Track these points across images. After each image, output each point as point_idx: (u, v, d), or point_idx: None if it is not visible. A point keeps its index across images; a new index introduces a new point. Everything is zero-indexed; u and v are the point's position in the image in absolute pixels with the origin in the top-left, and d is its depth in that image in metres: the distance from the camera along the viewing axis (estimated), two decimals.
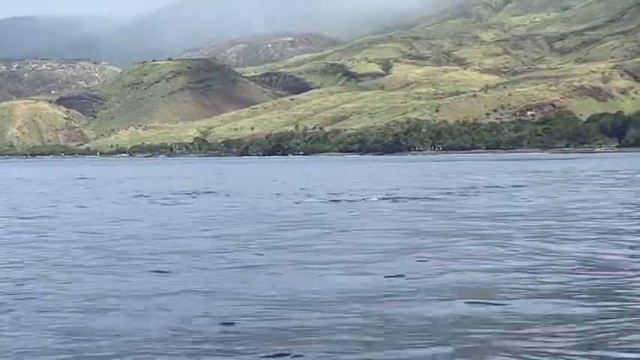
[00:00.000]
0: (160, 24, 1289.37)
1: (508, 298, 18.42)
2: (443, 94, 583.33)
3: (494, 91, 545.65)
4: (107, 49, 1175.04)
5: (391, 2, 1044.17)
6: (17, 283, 21.68)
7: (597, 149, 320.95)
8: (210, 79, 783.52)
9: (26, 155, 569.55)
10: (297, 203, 52.90)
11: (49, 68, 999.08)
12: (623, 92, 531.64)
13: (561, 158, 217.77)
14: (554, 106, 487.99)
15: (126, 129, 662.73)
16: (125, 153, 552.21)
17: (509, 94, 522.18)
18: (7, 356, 14.51)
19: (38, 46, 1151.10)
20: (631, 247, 27.20)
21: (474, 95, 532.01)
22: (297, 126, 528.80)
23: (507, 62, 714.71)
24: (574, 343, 14.31)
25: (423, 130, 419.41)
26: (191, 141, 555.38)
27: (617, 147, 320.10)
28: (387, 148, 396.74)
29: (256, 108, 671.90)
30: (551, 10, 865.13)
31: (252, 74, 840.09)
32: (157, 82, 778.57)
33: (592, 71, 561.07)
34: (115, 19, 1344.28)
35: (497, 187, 70.55)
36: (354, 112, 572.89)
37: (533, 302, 17.98)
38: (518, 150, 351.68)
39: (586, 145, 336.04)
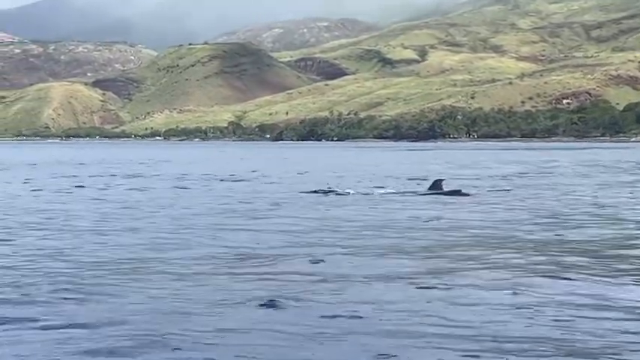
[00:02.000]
0: (195, 7, 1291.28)
1: None
2: (479, 81, 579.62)
3: (530, 79, 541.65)
4: (141, 32, 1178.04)
5: None
6: None
7: (633, 139, 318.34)
8: (246, 64, 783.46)
9: (61, 137, 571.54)
10: None
11: (86, 50, 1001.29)
12: None
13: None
14: (590, 94, 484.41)
15: (161, 112, 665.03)
16: (160, 136, 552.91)
17: (545, 82, 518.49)
18: None
19: (73, 28, 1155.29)
20: None
21: (510, 83, 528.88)
22: (331, 111, 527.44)
23: (544, 50, 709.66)
24: None
25: (458, 117, 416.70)
26: (225, 125, 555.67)
27: None
28: (422, 134, 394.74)
29: (291, 93, 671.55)
30: None
31: (288, 59, 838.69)
32: (192, 65, 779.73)
33: (629, 60, 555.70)
34: (148, 2, 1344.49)
35: None
36: (388, 99, 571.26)
37: None
38: (554, 138, 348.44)
39: (622, 135, 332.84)
